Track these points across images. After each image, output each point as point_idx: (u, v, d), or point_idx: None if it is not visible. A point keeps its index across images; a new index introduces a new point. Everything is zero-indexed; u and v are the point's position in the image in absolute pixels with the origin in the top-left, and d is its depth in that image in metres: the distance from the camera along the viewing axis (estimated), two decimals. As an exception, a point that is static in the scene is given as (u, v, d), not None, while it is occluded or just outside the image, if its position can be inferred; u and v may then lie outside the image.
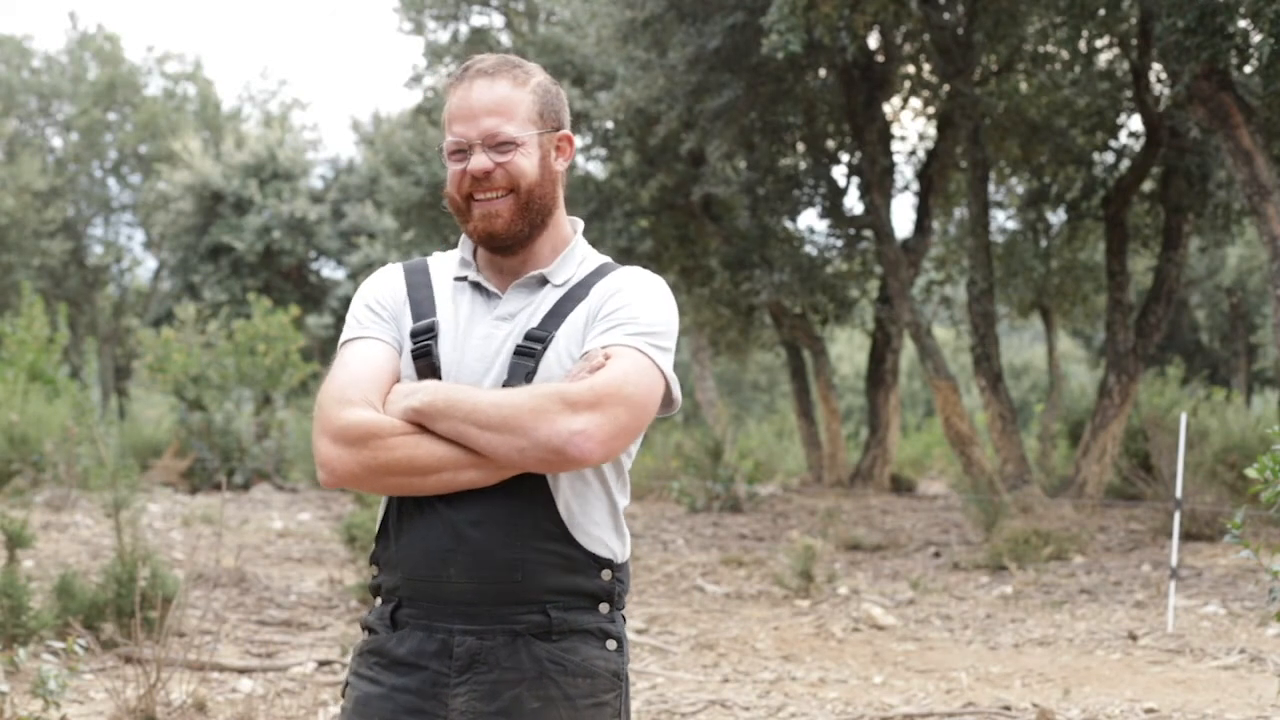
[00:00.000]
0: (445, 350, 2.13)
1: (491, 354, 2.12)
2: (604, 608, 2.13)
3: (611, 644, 2.14)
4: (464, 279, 2.20)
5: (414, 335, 2.15)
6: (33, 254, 29.58)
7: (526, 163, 2.14)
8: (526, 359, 2.09)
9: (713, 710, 5.53)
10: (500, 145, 2.12)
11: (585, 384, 2.01)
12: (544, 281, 2.18)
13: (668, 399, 2.14)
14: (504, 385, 2.08)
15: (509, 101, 2.14)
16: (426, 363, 2.13)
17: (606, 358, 2.04)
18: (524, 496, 2.06)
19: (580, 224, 2.29)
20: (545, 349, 2.10)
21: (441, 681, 2.06)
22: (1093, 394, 15.77)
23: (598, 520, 2.12)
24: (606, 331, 2.09)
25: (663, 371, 2.10)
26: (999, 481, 12.07)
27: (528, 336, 2.11)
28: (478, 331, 2.14)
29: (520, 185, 2.13)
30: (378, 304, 2.20)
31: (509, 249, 2.17)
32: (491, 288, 2.18)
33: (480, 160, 2.12)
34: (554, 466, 2.02)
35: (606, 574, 2.12)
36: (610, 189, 16.27)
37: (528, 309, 2.15)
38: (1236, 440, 11.19)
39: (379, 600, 2.17)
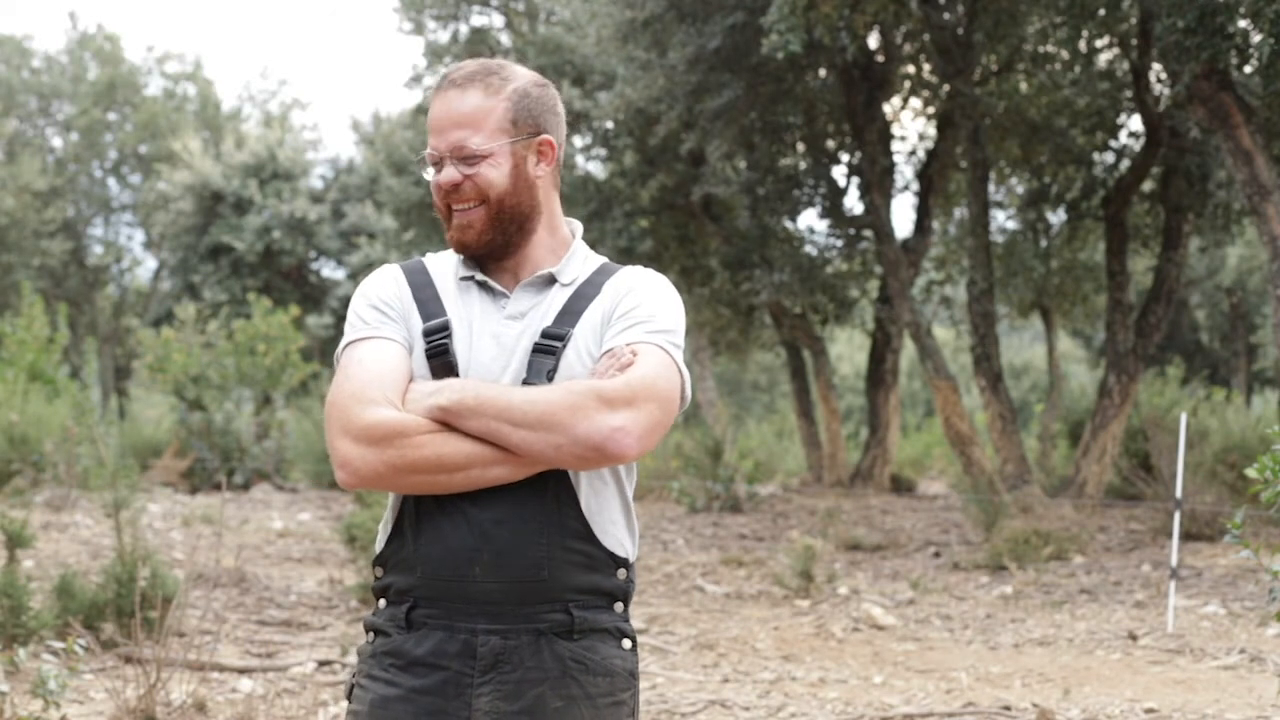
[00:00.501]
0: (459, 349, 2.13)
1: (507, 352, 2.12)
2: (619, 606, 2.14)
3: (627, 643, 2.15)
4: (470, 278, 2.20)
5: (428, 334, 2.14)
6: (33, 254, 29.59)
7: (495, 174, 2.13)
8: (547, 356, 2.09)
9: (713, 710, 5.53)
10: (467, 158, 2.12)
11: (621, 380, 2.02)
12: (552, 280, 2.18)
13: (680, 395, 2.16)
14: (524, 383, 2.08)
15: (479, 112, 2.12)
16: (442, 361, 2.12)
17: (634, 355, 2.06)
18: (549, 494, 2.07)
19: (579, 226, 2.29)
20: (565, 346, 2.10)
21: (464, 682, 2.06)
22: (1093, 394, 15.77)
23: (614, 518, 2.14)
24: (627, 330, 2.10)
25: (680, 369, 2.12)
26: (999, 481, 12.07)
27: (546, 334, 2.11)
28: (489, 330, 2.14)
29: (489, 196, 2.13)
30: (384, 303, 2.19)
31: (486, 257, 2.18)
32: (498, 286, 2.18)
33: (449, 173, 2.13)
34: (590, 463, 2.02)
35: (622, 573, 2.14)
36: (610, 189, 16.27)
37: (538, 308, 2.15)
38: (1236, 440, 11.19)
39: (383, 602, 2.16)
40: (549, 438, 1.99)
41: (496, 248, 2.16)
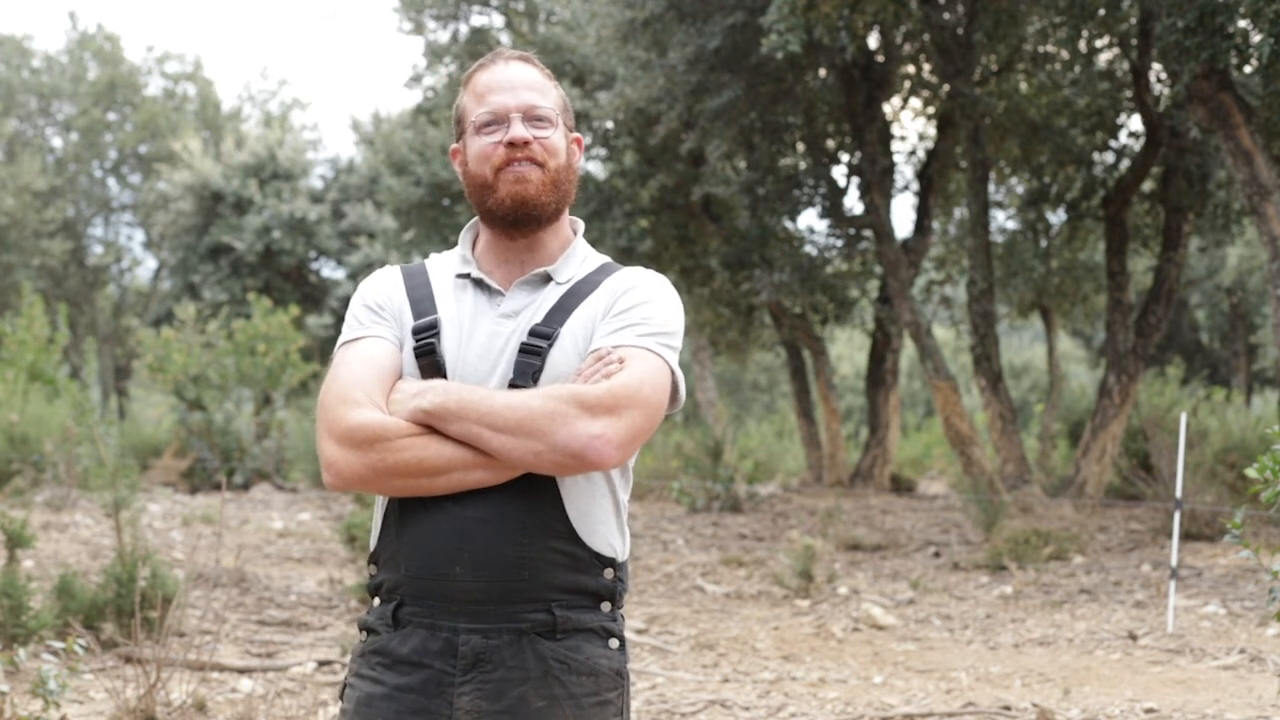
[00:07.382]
0: (449, 348, 2.12)
1: (496, 352, 2.10)
2: (606, 606, 2.12)
3: (614, 642, 2.13)
4: (466, 276, 2.19)
5: (416, 333, 2.13)
6: (33, 254, 29.60)
7: (560, 143, 2.17)
8: (533, 357, 2.08)
9: (713, 710, 5.53)
10: (538, 120, 2.15)
11: (603, 387, 2.00)
12: (547, 279, 2.17)
13: (673, 395, 2.14)
14: (511, 383, 2.06)
15: (543, 85, 2.19)
16: (430, 360, 2.11)
17: (621, 361, 2.04)
18: (532, 495, 2.05)
19: (580, 224, 2.29)
20: (551, 347, 2.08)
21: (446, 680, 2.05)
22: (1093, 394, 15.77)
23: (603, 519, 2.12)
24: (618, 331, 2.08)
25: (673, 371, 2.11)
26: (999, 481, 12.07)
27: (533, 334, 2.09)
28: (481, 329, 2.12)
29: (550, 164, 2.15)
30: (377, 304, 2.19)
31: (531, 223, 2.15)
32: (494, 284, 2.17)
33: (520, 129, 2.13)
34: (570, 470, 2.00)
35: (609, 573, 2.12)
36: (610, 189, 16.27)
37: (531, 306, 2.14)
38: (1236, 440, 11.19)
39: (377, 600, 2.15)
40: (529, 444, 1.97)
41: (546, 214, 2.16)
